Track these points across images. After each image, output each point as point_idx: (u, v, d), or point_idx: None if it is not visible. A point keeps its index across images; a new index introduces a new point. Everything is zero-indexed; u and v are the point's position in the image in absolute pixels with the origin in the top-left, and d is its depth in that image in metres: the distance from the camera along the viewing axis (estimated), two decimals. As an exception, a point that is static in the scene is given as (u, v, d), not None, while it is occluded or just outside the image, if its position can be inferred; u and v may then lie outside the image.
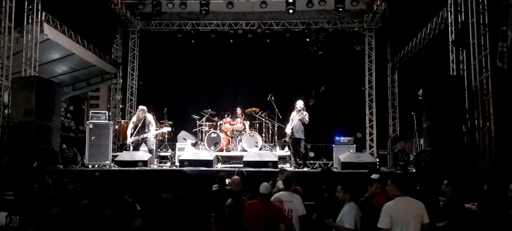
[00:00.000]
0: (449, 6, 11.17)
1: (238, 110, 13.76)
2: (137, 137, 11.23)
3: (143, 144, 11.35)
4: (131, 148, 11.47)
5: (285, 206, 5.93)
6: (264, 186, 5.83)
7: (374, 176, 6.42)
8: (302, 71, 16.55)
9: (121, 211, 5.33)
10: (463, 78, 10.26)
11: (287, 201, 5.98)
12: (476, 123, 9.80)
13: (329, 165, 11.94)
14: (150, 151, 11.25)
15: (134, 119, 11.63)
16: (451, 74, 11.05)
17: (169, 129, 12.58)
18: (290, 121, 11.22)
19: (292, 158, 11.65)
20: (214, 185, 7.51)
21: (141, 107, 11.55)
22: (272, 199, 6.04)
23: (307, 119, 10.92)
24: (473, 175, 9.02)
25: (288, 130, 11.21)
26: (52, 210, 4.69)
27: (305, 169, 10.90)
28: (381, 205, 5.80)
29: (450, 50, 11.18)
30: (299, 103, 11.11)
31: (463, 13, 10.40)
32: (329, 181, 6.99)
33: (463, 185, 7.16)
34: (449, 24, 11.09)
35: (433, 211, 6.30)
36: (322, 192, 6.87)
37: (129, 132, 11.43)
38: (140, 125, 11.30)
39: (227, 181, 7.62)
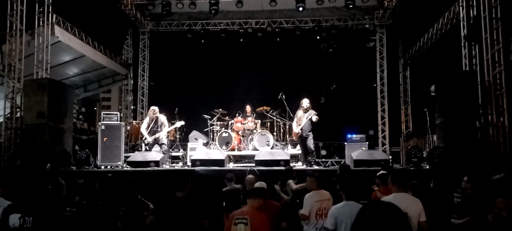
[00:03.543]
0: (460, 0, 11.03)
1: (247, 107, 13.74)
2: (150, 136, 11.44)
3: (156, 145, 11.43)
4: (143, 148, 11.57)
5: (326, 205, 5.68)
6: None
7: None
8: (312, 69, 16.46)
9: (134, 211, 5.35)
10: (476, 73, 10.11)
11: (327, 199, 5.76)
12: (489, 118, 9.66)
13: (342, 163, 11.86)
14: (165, 152, 11.34)
15: (146, 119, 11.82)
16: (464, 69, 10.92)
17: (183, 123, 12.47)
18: (297, 119, 11.16)
19: (303, 157, 11.60)
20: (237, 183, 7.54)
21: (152, 108, 11.77)
22: (312, 195, 5.81)
23: (317, 116, 10.88)
24: (488, 170, 8.90)
25: (296, 129, 11.14)
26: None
27: (316, 167, 10.85)
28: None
29: (462, 45, 11.03)
30: (306, 102, 11.03)
31: (475, 8, 10.24)
32: (347, 178, 6.92)
33: (482, 181, 7.03)
34: (461, 19, 10.94)
35: (448, 208, 6.22)
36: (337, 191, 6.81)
37: (144, 131, 11.61)
38: (152, 125, 11.51)
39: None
